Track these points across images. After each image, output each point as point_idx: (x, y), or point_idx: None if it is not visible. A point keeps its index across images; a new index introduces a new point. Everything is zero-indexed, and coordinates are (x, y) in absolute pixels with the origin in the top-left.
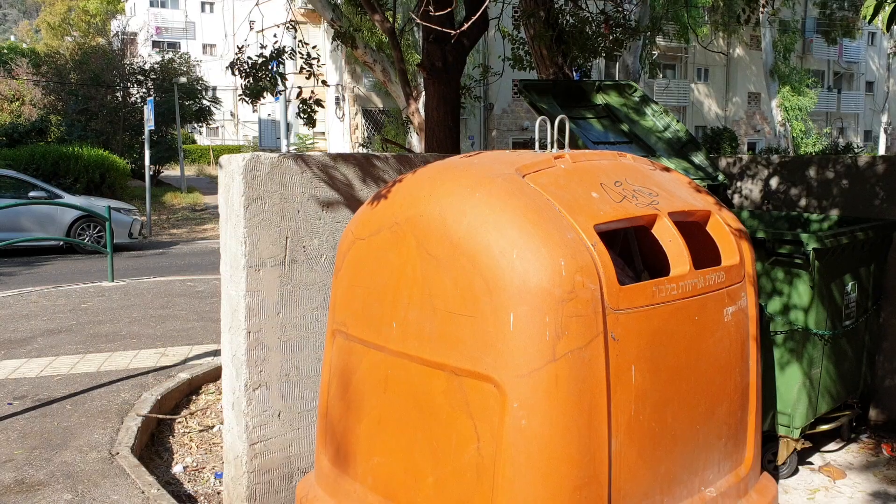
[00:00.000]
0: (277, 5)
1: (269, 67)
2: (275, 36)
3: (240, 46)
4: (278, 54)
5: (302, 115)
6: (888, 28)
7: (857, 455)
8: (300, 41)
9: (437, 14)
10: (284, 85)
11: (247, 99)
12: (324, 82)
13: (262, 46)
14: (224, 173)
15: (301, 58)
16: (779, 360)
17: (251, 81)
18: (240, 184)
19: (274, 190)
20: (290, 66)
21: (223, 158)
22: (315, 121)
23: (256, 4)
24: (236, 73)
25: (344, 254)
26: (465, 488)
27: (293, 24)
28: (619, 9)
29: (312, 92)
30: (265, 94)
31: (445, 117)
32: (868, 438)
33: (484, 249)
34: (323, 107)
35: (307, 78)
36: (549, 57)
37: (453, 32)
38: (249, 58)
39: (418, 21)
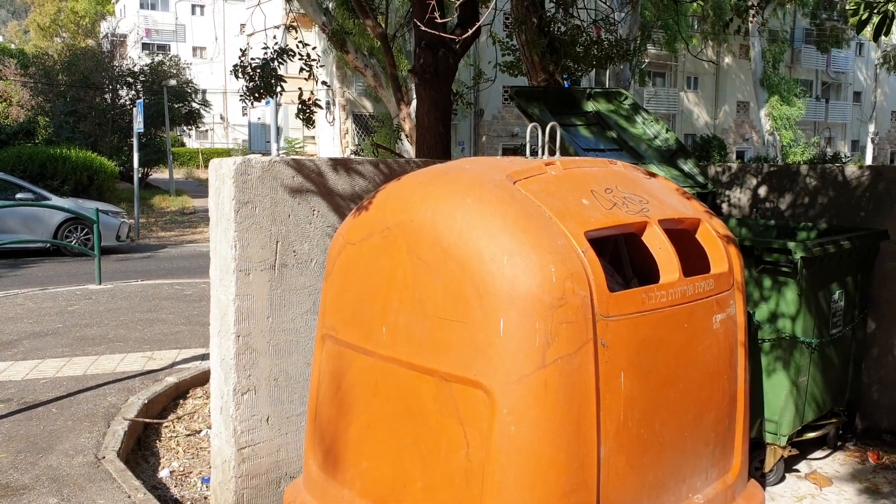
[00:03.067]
0: (268, 9)
1: (272, 68)
2: (275, 38)
3: (242, 49)
4: (280, 54)
5: (301, 115)
6: (876, 38)
7: (844, 463)
8: (300, 42)
9: (434, 20)
10: (282, 87)
11: (249, 100)
12: (324, 83)
13: (265, 47)
14: (215, 177)
15: (300, 59)
16: (766, 367)
17: (255, 82)
18: (230, 187)
19: (265, 194)
20: (282, 70)
21: (214, 162)
22: (314, 120)
23: (257, 4)
24: (241, 76)
25: (334, 258)
26: (454, 494)
27: (293, 25)
28: (611, 27)
29: (311, 93)
30: (268, 94)
31: (436, 123)
32: (854, 446)
33: (475, 255)
34: (321, 107)
35: (306, 80)
36: (540, 64)
37: (451, 38)
38: (253, 59)
39: (415, 25)
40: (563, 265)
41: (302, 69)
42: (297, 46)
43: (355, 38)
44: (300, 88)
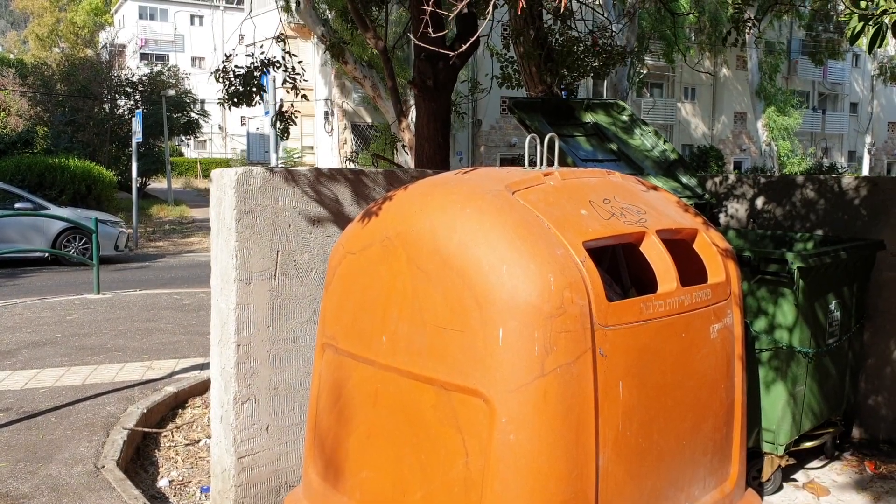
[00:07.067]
0: (267, 19)
1: (255, 76)
2: (261, 46)
3: (227, 55)
4: (266, 66)
5: (277, 125)
6: (871, 50)
7: (841, 472)
8: (287, 51)
9: (431, 35)
10: (262, 96)
11: (226, 105)
12: (304, 96)
13: (250, 56)
14: (216, 187)
15: (284, 71)
16: (764, 377)
17: (235, 88)
18: (231, 197)
19: (265, 204)
20: (279, 80)
21: (215, 172)
22: (289, 132)
23: (248, 17)
24: (220, 80)
25: (334, 268)
26: (454, 503)
27: (283, 37)
28: (608, 33)
29: (291, 105)
30: (245, 102)
31: (435, 134)
32: (851, 456)
33: (474, 264)
34: (294, 123)
35: (288, 91)
36: (538, 75)
37: (450, 54)
38: (237, 66)
39: (412, 39)
40: (562, 275)
41: (286, 81)
42: (283, 58)
43: (354, 49)
44: (281, 99)
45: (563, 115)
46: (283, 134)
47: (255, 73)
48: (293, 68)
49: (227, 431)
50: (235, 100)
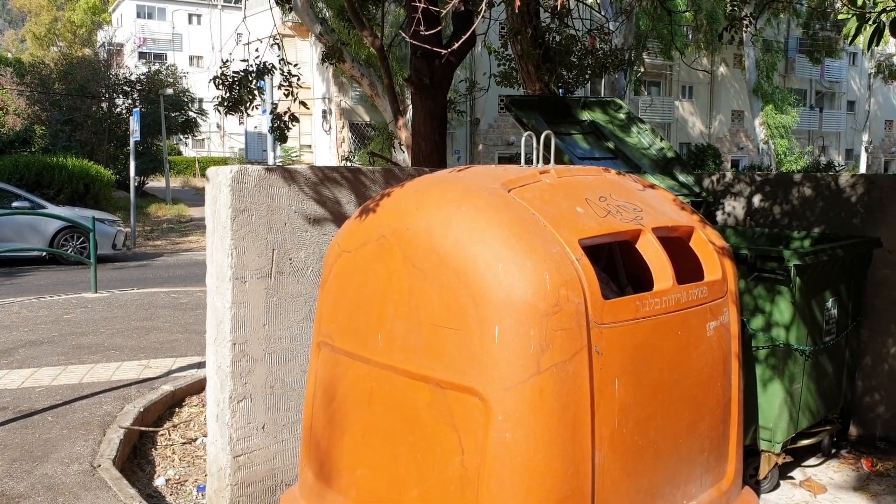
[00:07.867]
0: (265, 18)
1: (251, 82)
2: (257, 50)
3: (224, 60)
4: (262, 72)
5: (274, 130)
6: (869, 48)
7: (838, 470)
8: (282, 59)
9: (426, 32)
10: (261, 99)
11: (222, 110)
12: (302, 103)
13: (245, 61)
14: (211, 185)
15: (282, 75)
16: (760, 375)
17: (230, 94)
18: (227, 196)
19: (261, 202)
20: (276, 80)
21: (211, 170)
22: (286, 136)
23: (244, 19)
24: (218, 86)
25: (330, 266)
26: (450, 501)
27: (281, 38)
28: (605, 36)
29: (288, 108)
30: (242, 108)
31: (432, 132)
32: (848, 453)
33: (470, 263)
34: (298, 120)
35: (286, 96)
36: (535, 74)
37: (443, 52)
38: (235, 73)
39: (407, 39)
40: (558, 272)
41: (281, 85)
42: (280, 63)
43: (352, 48)
44: (274, 104)
45: (560, 114)
46: (281, 137)
47: (251, 79)
48: (289, 72)
49: (223, 430)
50: (230, 105)
